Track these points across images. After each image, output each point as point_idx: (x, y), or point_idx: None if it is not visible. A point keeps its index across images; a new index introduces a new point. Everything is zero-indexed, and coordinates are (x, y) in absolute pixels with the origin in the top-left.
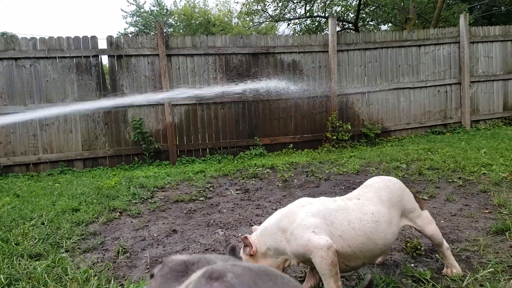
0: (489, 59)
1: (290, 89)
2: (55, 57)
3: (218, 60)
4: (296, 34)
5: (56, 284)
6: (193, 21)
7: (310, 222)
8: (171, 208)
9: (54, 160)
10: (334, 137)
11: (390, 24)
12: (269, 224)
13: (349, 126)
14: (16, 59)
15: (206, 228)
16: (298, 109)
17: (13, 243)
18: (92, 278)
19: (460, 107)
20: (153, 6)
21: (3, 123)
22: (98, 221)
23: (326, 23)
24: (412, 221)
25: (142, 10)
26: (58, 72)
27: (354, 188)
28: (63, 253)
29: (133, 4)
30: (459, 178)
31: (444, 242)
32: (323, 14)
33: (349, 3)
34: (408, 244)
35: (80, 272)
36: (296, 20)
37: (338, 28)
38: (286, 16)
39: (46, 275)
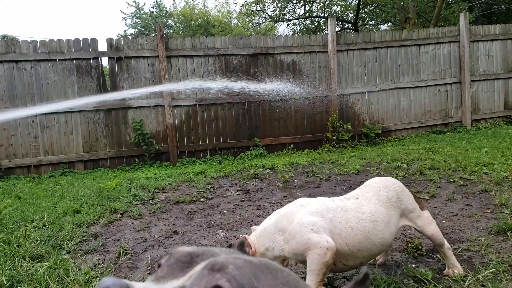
0: (490, 57)
1: (290, 89)
2: (56, 60)
3: (218, 61)
4: (296, 35)
5: (58, 285)
6: (193, 22)
7: (309, 220)
8: (172, 209)
9: (55, 162)
10: (335, 137)
11: (389, 24)
12: (267, 224)
13: (350, 126)
14: (17, 61)
15: (207, 229)
16: (298, 110)
17: (15, 245)
18: (94, 279)
19: (461, 106)
20: (153, 8)
21: (4, 118)
22: (99, 222)
23: (325, 23)
24: (412, 221)
25: (141, 11)
26: (59, 74)
27: (355, 189)
28: (64, 254)
29: (133, 6)
30: (460, 177)
31: (445, 242)
32: (323, 14)
33: (348, 3)
34: (410, 245)
35: (81, 274)
36: (296, 21)
37: (337, 28)
38: (285, 16)
39: (48, 277)
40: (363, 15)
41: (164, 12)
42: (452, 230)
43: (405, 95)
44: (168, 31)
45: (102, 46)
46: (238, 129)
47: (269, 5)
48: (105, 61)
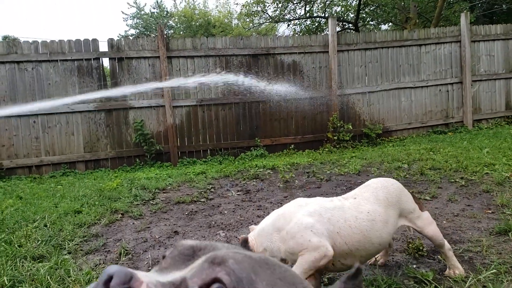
0: (491, 57)
1: (291, 89)
2: (57, 60)
3: (218, 61)
4: (296, 35)
5: (59, 285)
6: (193, 23)
7: (308, 221)
8: (173, 209)
9: (56, 162)
10: (335, 138)
11: (390, 24)
12: (265, 224)
13: (350, 127)
14: (18, 62)
15: (207, 229)
16: (298, 110)
17: (16, 245)
18: (95, 279)
19: (462, 107)
20: (154, 8)
21: (5, 113)
22: (100, 222)
23: (326, 23)
24: (411, 222)
25: (142, 12)
26: (60, 75)
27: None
28: (65, 255)
29: (134, 7)
30: (461, 178)
31: (446, 243)
32: (323, 15)
33: (349, 3)
34: (410, 245)
35: (82, 274)
36: (296, 21)
37: (338, 28)
38: (286, 17)
39: (49, 277)
40: (364, 15)
41: (165, 13)
42: (453, 231)
43: (406, 95)
44: (169, 32)
45: (103, 47)
46: (238, 129)
47: (269, 5)
48: (106, 62)
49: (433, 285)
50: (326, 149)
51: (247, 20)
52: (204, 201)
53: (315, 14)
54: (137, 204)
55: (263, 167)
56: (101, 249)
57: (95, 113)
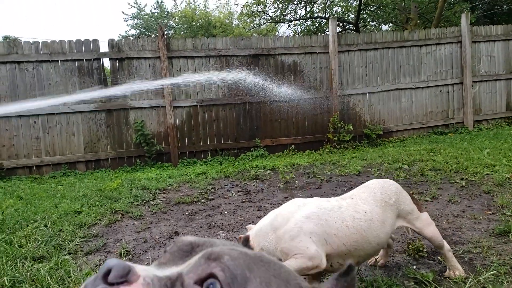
0: (491, 58)
1: (291, 90)
2: (58, 61)
3: (219, 62)
4: (297, 35)
5: (59, 286)
6: (194, 23)
7: (308, 226)
8: (173, 210)
9: (56, 163)
10: (336, 138)
11: (391, 24)
12: (263, 224)
13: (351, 127)
14: (19, 62)
15: (207, 230)
16: (299, 110)
17: (16, 245)
18: None
19: (463, 107)
20: (154, 9)
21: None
22: (100, 223)
23: (326, 24)
24: (410, 223)
25: (143, 12)
26: (61, 75)
27: None
28: (65, 255)
29: (134, 7)
30: (462, 179)
31: (445, 244)
32: (324, 15)
33: (349, 3)
34: (410, 246)
35: (82, 274)
36: (297, 21)
37: (338, 29)
38: (286, 17)
39: (49, 277)
40: (364, 15)
41: (166, 13)
42: (453, 232)
43: (406, 96)
44: (170, 32)
45: (104, 47)
46: (239, 129)
47: (270, 6)
48: (106, 62)
49: (433, 286)
50: (327, 150)
51: (248, 20)
52: (204, 202)
53: (315, 15)
54: (138, 205)
55: (263, 168)
56: (101, 250)
57: (96, 113)
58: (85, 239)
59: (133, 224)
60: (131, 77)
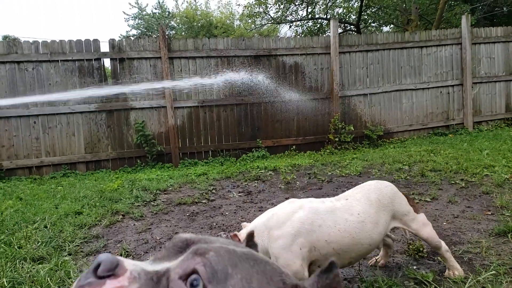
0: (491, 60)
1: (292, 91)
2: (58, 61)
3: (220, 62)
4: (298, 36)
5: (59, 287)
6: (195, 24)
7: (300, 235)
8: (174, 210)
9: (57, 163)
10: (337, 139)
11: (392, 26)
12: (258, 223)
13: (352, 128)
14: (18, 62)
15: (208, 231)
16: (300, 111)
17: (16, 247)
18: None
19: (463, 109)
20: (155, 9)
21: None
22: (100, 224)
23: (328, 25)
24: (406, 224)
25: (144, 12)
26: (61, 75)
27: None
28: (66, 256)
29: (135, 7)
30: (462, 179)
31: (443, 244)
32: (325, 16)
33: (350, 4)
34: (411, 247)
35: None
36: (298, 22)
37: (340, 30)
38: (288, 18)
39: (49, 279)
40: (366, 17)
41: (167, 13)
42: (453, 232)
43: (407, 97)
44: (171, 32)
45: (104, 47)
46: (240, 130)
47: (271, 6)
48: (107, 62)
49: (433, 286)
50: (328, 151)
51: (249, 21)
52: (205, 202)
53: (317, 16)
54: (138, 205)
55: (264, 169)
56: (101, 251)
57: (96, 113)
58: (86, 240)
59: (134, 225)
60: (132, 77)
